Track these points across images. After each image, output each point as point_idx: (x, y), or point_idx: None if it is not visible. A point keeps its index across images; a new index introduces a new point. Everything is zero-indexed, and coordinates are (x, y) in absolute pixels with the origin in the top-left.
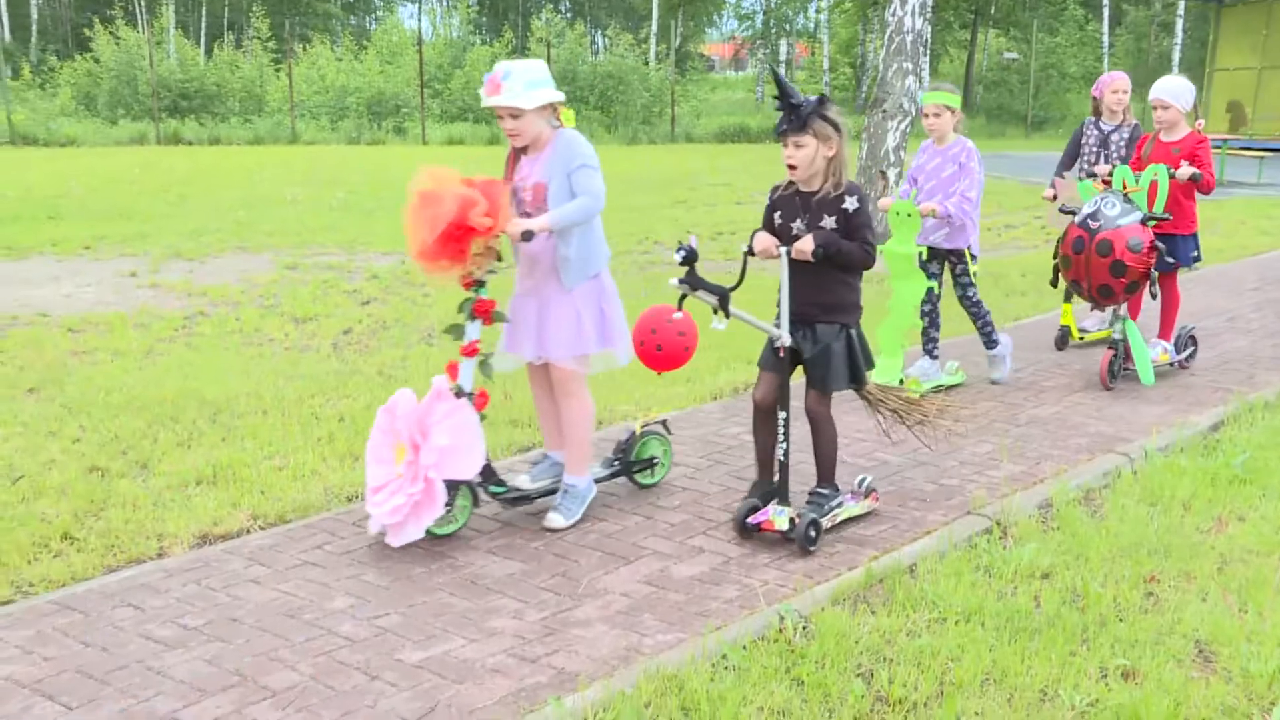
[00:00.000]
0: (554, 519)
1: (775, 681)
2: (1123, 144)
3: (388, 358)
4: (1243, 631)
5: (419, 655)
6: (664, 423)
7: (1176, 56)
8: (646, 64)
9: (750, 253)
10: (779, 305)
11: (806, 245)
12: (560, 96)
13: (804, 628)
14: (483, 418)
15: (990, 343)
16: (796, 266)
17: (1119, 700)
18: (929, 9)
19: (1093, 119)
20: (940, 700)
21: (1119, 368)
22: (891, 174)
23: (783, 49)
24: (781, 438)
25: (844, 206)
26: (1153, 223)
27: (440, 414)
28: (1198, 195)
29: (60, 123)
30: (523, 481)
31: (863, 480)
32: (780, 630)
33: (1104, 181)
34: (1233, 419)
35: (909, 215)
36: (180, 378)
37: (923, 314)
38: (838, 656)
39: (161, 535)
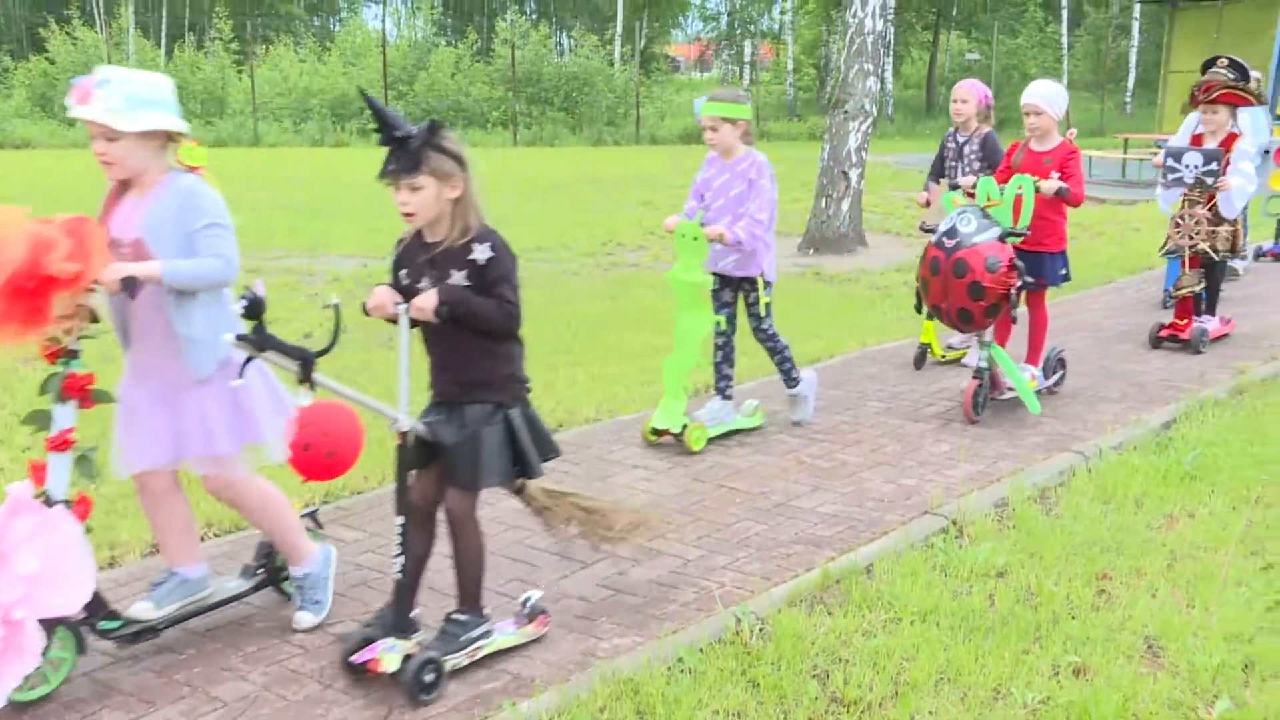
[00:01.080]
0: (302, 618)
1: (731, 684)
2: (974, 156)
3: (349, 361)
4: (1189, 626)
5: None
6: (313, 514)
7: (1134, 58)
8: (611, 65)
9: (366, 311)
10: (399, 378)
11: (427, 302)
12: (180, 126)
13: (760, 629)
14: (87, 530)
15: (790, 380)
16: (432, 333)
17: (1070, 697)
18: (890, 10)
19: (952, 129)
20: (895, 700)
21: (985, 398)
22: (854, 175)
23: (747, 50)
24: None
25: (472, 257)
26: (1013, 239)
27: (23, 532)
28: (1073, 209)
29: (15, 124)
30: (143, 610)
31: (528, 600)
32: (737, 632)
33: (968, 194)
34: (1184, 417)
35: (694, 239)
36: None
37: (715, 348)
38: (794, 658)
39: (114, 544)
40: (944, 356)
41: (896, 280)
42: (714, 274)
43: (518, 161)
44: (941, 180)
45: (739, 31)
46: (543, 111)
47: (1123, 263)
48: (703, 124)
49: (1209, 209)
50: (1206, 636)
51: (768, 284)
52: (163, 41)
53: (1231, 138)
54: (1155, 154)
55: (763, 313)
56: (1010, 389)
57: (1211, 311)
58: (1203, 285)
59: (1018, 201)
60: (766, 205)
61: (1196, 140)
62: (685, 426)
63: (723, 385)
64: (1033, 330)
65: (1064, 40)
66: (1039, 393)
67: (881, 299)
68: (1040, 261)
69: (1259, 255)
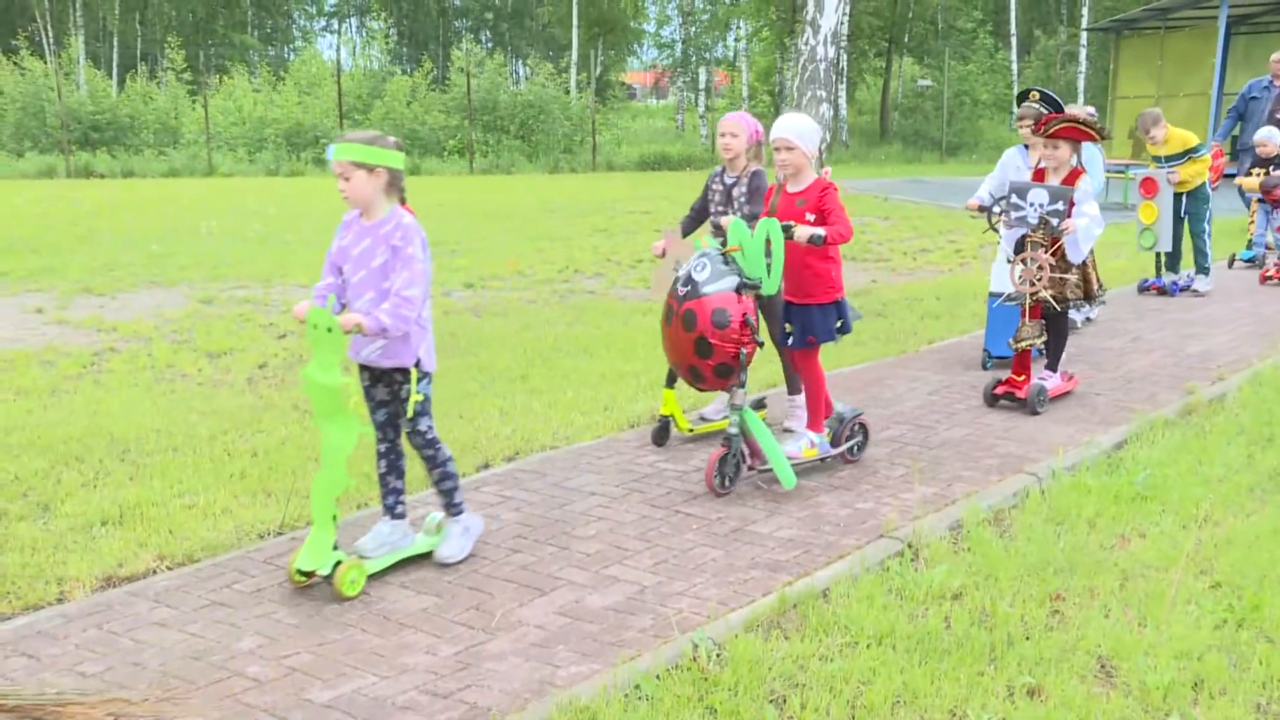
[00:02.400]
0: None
1: (688, 710)
2: (743, 198)
3: (303, 392)
4: (1141, 645)
5: (329, 694)
6: None
7: (1082, 84)
8: (567, 93)
9: None
10: None
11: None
12: None
13: (718, 655)
14: None
15: (452, 506)
16: None
17: (1025, 718)
18: (842, 38)
19: (719, 168)
20: None
21: (734, 469)
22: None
23: (702, 76)
24: None
25: None
26: (748, 290)
27: None
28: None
29: None
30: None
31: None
32: (694, 658)
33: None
34: (1135, 437)
35: (328, 330)
36: (87, 416)
37: (378, 456)
38: (750, 683)
39: (62, 579)
40: (692, 430)
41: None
42: (361, 366)
43: (474, 189)
44: (706, 224)
45: (694, 59)
46: (499, 139)
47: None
48: (334, 171)
49: (1054, 253)
50: (1158, 655)
51: (424, 375)
52: (114, 71)
53: (1075, 174)
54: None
55: (411, 412)
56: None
57: (1053, 367)
58: (1043, 338)
59: (792, 247)
60: (418, 279)
61: (1038, 176)
62: (337, 565)
63: (390, 502)
64: (808, 392)
65: (1014, 66)
66: (823, 460)
67: None
68: (809, 315)
69: (1142, 289)
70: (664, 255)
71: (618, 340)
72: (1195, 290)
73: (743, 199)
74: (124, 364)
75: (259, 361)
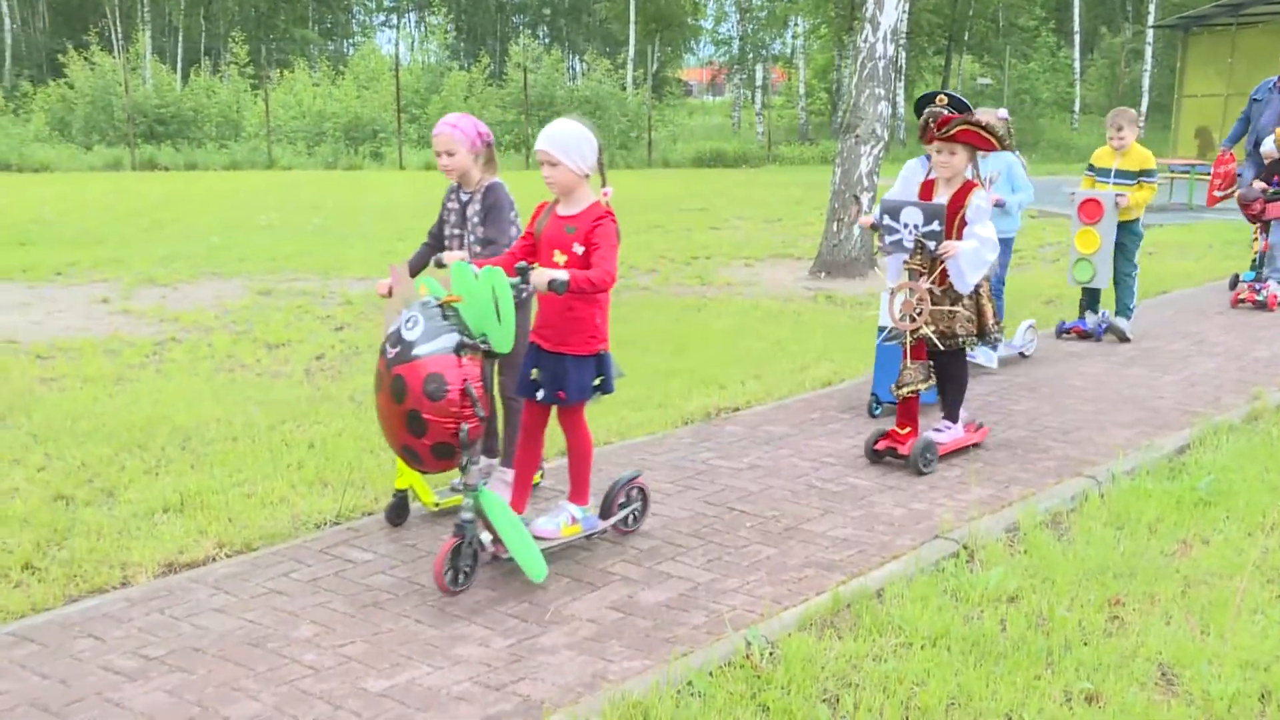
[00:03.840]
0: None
1: (741, 708)
2: (478, 218)
3: (360, 384)
4: (1204, 654)
5: (383, 684)
6: None
7: (1147, 83)
8: (624, 89)
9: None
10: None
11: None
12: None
13: (770, 653)
14: None
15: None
16: None
17: None
18: (901, 35)
19: (453, 185)
20: None
21: (470, 561)
22: (865, 199)
23: (759, 74)
24: None
25: None
26: (469, 352)
27: None
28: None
29: (34, 149)
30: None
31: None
32: (747, 656)
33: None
34: (1198, 442)
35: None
36: (150, 404)
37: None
38: (804, 682)
39: (125, 564)
40: (438, 505)
41: None
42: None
43: (530, 184)
44: (439, 258)
45: (751, 55)
46: None
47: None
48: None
49: (939, 282)
50: (1222, 664)
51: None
52: (179, 66)
53: (967, 189)
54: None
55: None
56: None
57: (952, 416)
58: (930, 383)
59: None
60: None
61: (927, 190)
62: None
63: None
64: (573, 458)
65: (1076, 65)
66: (588, 537)
67: None
68: (561, 367)
69: (1061, 332)
70: (390, 295)
71: (671, 337)
72: (1118, 328)
73: (477, 220)
74: (185, 354)
75: (316, 353)
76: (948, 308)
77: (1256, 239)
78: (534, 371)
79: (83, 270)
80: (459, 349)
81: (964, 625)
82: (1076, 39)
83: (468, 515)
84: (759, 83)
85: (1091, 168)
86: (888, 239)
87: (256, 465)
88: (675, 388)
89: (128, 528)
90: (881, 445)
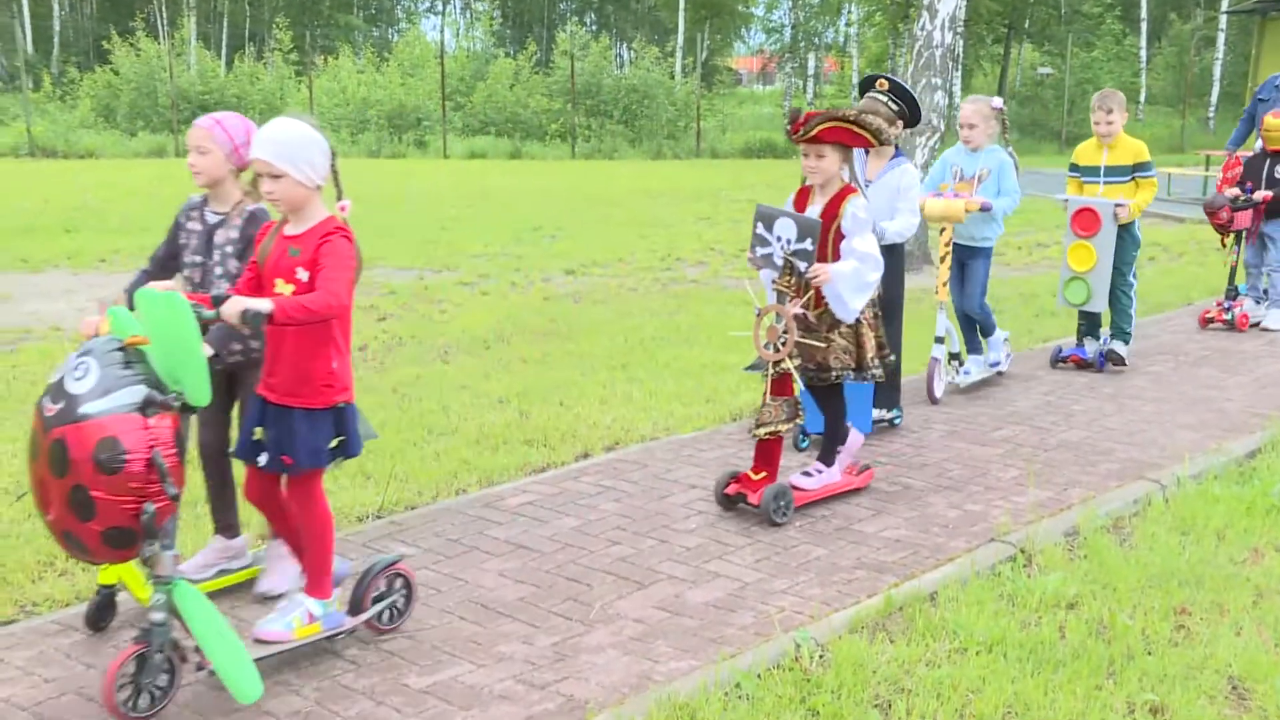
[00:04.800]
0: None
1: (789, 712)
2: (230, 248)
3: (403, 375)
4: (1278, 667)
5: (425, 681)
6: None
7: (1218, 71)
8: (672, 77)
9: None
10: None
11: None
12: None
13: (820, 656)
14: None
15: None
16: None
17: None
18: (959, 23)
19: (198, 199)
20: None
21: (165, 676)
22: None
23: (811, 63)
24: None
25: None
26: (164, 410)
27: None
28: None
29: (80, 135)
30: None
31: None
32: (796, 658)
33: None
34: (1270, 446)
35: None
36: None
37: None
38: (854, 686)
39: None
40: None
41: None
42: None
43: (576, 174)
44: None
45: (803, 44)
46: (602, 124)
47: (1204, 283)
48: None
49: (815, 306)
50: None
51: None
52: (223, 52)
53: (843, 195)
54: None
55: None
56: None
57: (826, 458)
58: (792, 424)
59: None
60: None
61: (802, 199)
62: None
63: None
64: (305, 541)
65: (1142, 53)
66: (331, 638)
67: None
68: (288, 424)
69: (1057, 360)
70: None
71: (720, 330)
72: (1115, 353)
73: (230, 250)
74: None
75: (358, 344)
76: (824, 333)
77: (1231, 252)
78: (257, 430)
79: (126, 257)
80: (146, 406)
81: (1021, 631)
82: (1143, 26)
83: (158, 616)
84: (811, 72)
85: (1075, 167)
86: (758, 251)
87: None
88: (724, 382)
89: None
90: (732, 490)
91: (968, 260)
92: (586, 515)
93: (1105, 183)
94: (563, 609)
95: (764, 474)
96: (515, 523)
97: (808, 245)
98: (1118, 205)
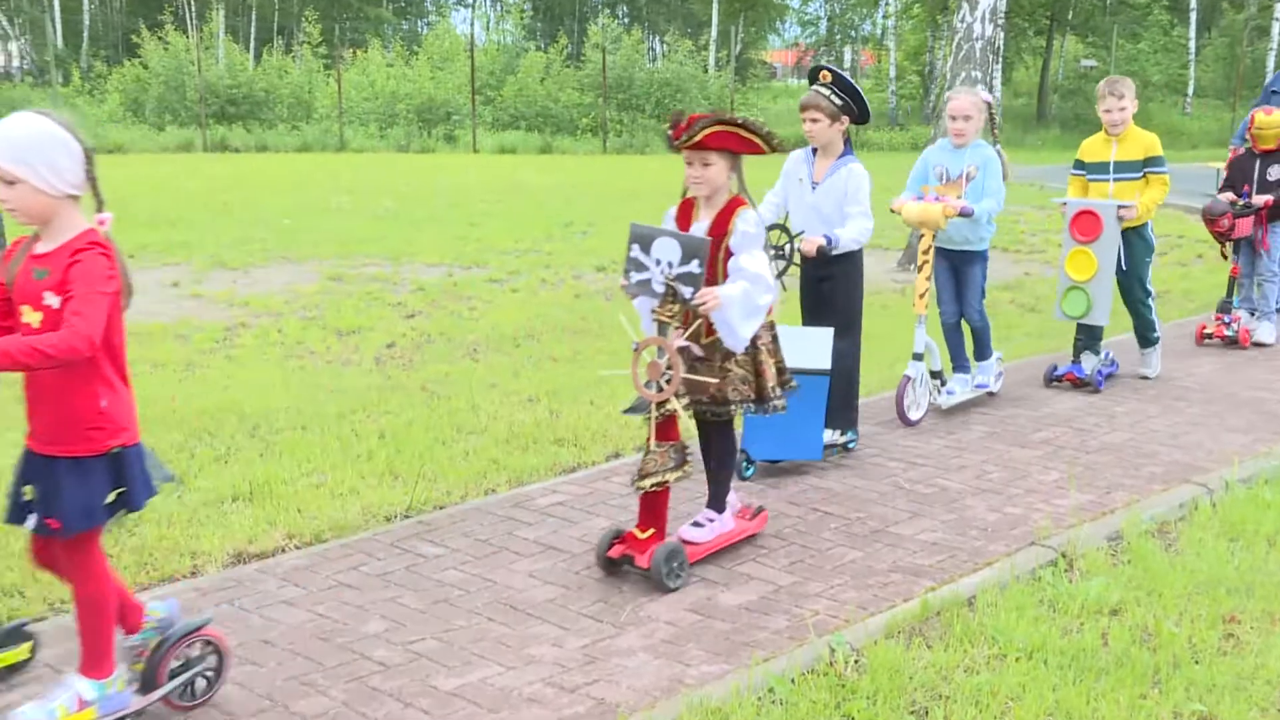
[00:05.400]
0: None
1: (824, 717)
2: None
3: (431, 373)
4: None
5: (454, 682)
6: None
7: (1271, 62)
8: (706, 71)
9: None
10: None
11: None
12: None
13: (856, 661)
14: None
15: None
16: None
17: None
18: (1000, 15)
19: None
20: None
21: None
22: None
23: (848, 56)
24: None
25: None
26: None
27: None
28: None
29: (108, 129)
30: None
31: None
32: (831, 663)
33: None
34: None
35: None
36: (220, 391)
37: None
38: (890, 692)
39: (195, 553)
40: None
41: (1002, 298)
42: None
43: (607, 169)
44: None
45: (839, 37)
46: (634, 119)
47: None
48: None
49: (705, 336)
50: None
51: None
52: (251, 45)
53: (732, 208)
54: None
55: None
56: None
57: (717, 504)
58: (680, 474)
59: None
60: None
61: (685, 212)
62: None
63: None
64: (79, 613)
65: (1191, 44)
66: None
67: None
68: (54, 478)
69: (1051, 379)
70: None
71: None
72: (1142, 374)
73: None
74: (255, 339)
75: (387, 341)
76: (718, 364)
77: (1229, 260)
78: (26, 488)
79: (154, 253)
80: None
81: (1062, 638)
82: (1193, 16)
83: None
84: (847, 65)
85: (1080, 164)
86: (634, 277)
87: (326, 455)
88: None
89: (197, 516)
90: (616, 551)
91: (961, 266)
92: (617, 516)
93: (1115, 180)
94: (593, 611)
95: (651, 531)
96: (545, 523)
97: (693, 268)
98: (1121, 207)
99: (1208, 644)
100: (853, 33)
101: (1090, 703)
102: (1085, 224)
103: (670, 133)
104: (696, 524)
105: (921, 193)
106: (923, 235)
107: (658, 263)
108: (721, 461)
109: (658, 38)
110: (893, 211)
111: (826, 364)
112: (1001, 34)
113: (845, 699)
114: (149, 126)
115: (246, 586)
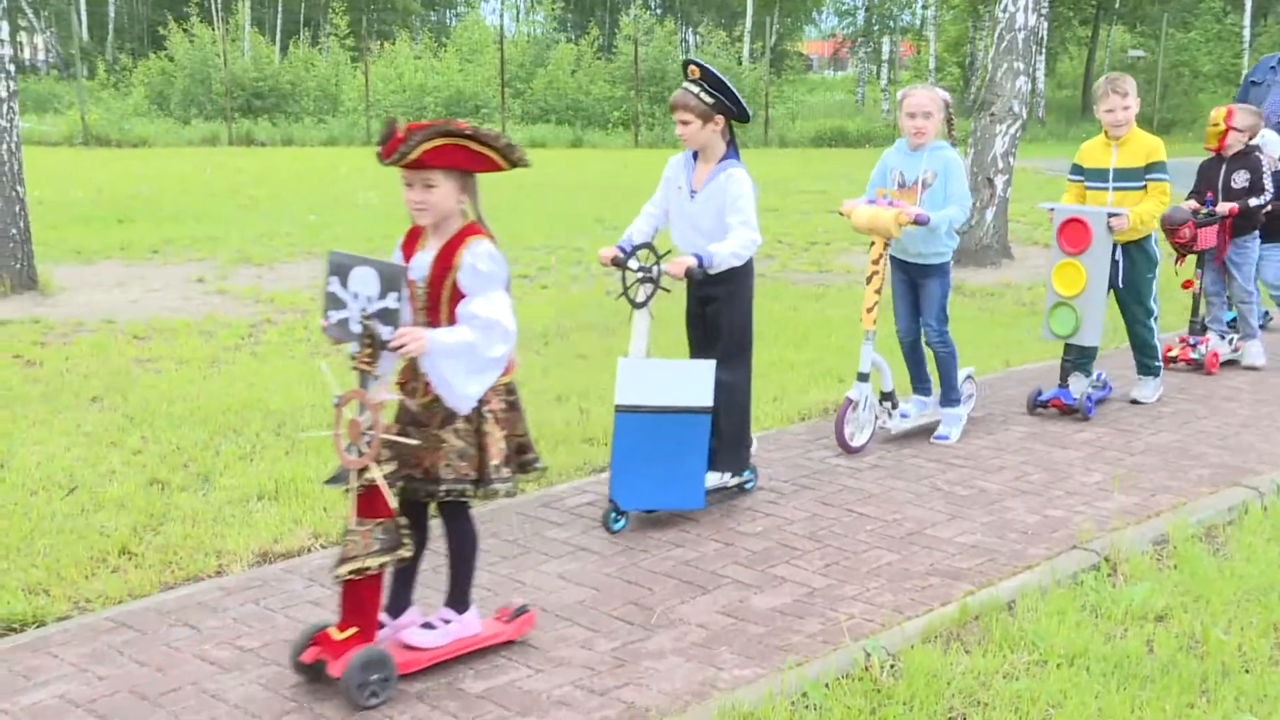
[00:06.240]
0: None
1: None
2: None
3: None
4: None
5: (482, 685)
6: None
7: None
8: (740, 63)
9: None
10: None
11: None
12: None
13: (891, 666)
14: None
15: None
16: None
17: None
18: (1044, 4)
19: None
20: None
21: None
22: (1000, 182)
23: (886, 47)
24: None
25: None
26: None
27: None
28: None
29: (133, 123)
30: None
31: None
32: (866, 668)
33: None
34: None
35: None
36: (245, 388)
37: None
38: (927, 698)
39: (220, 552)
40: None
41: (1044, 296)
42: None
43: (639, 163)
44: None
45: (877, 27)
46: (666, 112)
47: None
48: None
49: (422, 394)
50: None
51: None
52: (277, 38)
53: (462, 238)
54: None
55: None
56: None
57: (457, 601)
58: (391, 558)
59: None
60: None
61: (411, 241)
62: None
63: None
64: None
65: (1245, 32)
66: None
67: (1027, 315)
68: None
69: (1036, 405)
70: None
71: (788, 327)
72: (1134, 399)
73: None
74: (280, 336)
75: None
76: (433, 429)
77: (1196, 276)
78: None
79: (179, 248)
80: None
81: (1105, 644)
82: (1248, 3)
83: None
84: (885, 56)
85: (1079, 170)
86: (332, 316)
87: None
88: (792, 380)
89: (222, 514)
90: (309, 656)
91: (920, 280)
92: (647, 517)
93: (1115, 188)
94: (623, 613)
95: (353, 630)
96: (574, 523)
97: (390, 302)
98: (1111, 215)
99: (1258, 653)
100: (891, 23)
101: (1134, 711)
102: (1073, 234)
103: (380, 148)
104: (428, 625)
105: (876, 196)
106: (873, 243)
107: (355, 297)
108: (456, 551)
109: (691, 29)
110: (840, 214)
111: (707, 400)
112: (1045, 24)
113: (880, 705)
114: (174, 120)
115: (272, 586)
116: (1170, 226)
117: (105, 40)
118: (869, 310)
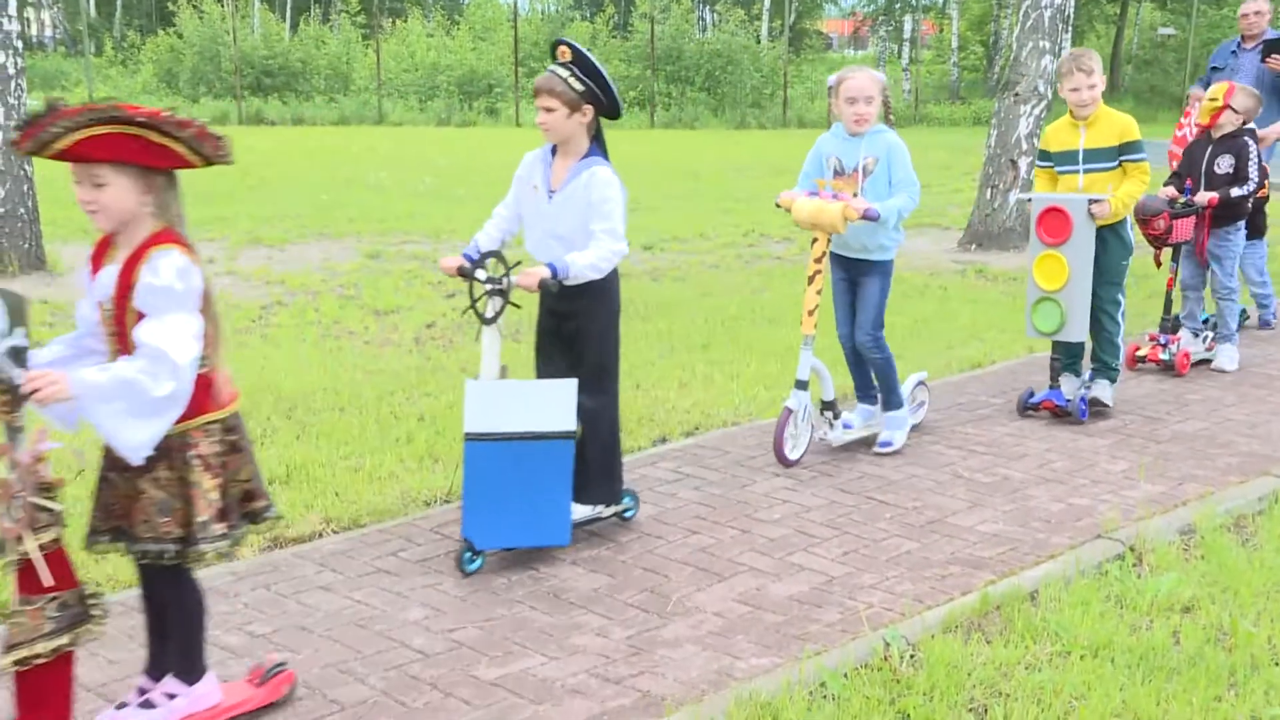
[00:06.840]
0: None
1: (878, 714)
2: None
3: (472, 354)
4: None
5: (495, 672)
6: None
7: None
8: (758, 42)
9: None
10: None
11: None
12: None
13: (911, 656)
14: None
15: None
16: None
17: None
18: None
19: None
20: None
21: None
22: (1023, 163)
23: (907, 25)
24: None
25: None
26: None
27: None
28: None
29: (141, 101)
30: None
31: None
32: (885, 658)
33: None
34: None
35: None
36: (255, 371)
37: None
38: (948, 689)
39: None
40: None
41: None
42: None
43: (655, 144)
44: None
45: (898, 5)
46: (683, 91)
47: None
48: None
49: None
50: None
51: None
52: (288, 15)
53: (145, 250)
54: None
55: None
56: None
57: (183, 670)
58: (66, 640)
59: None
60: None
61: (101, 253)
62: None
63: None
64: None
65: None
66: None
67: None
68: None
69: (1026, 407)
70: None
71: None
72: (1098, 400)
73: None
74: (292, 318)
75: (427, 321)
76: (132, 478)
77: (1170, 271)
78: None
79: (191, 227)
80: None
81: (1130, 636)
82: None
83: None
84: (907, 35)
85: (1046, 155)
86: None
87: (364, 438)
88: None
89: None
90: None
91: (859, 278)
92: (664, 504)
93: (1086, 171)
94: (639, 601)
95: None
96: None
97: (17, 339)
98: (1093, 202)
99: None
100: (913, 1)
101: (1160, 704)
102: (1052, 224)
103: (17, 136)
104: (147, 704)
105: (816, 187)
106: (816, 240)
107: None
108: (173, 620)
109: (708, 7)
110: (778, 207)
111: (569, 425)
112: (1072, 1)
113: (900, 695)
114: (183, 98)
115: (283, 571)
116: (1144, 217)
117: (113, 16)
118: (809, 314)
